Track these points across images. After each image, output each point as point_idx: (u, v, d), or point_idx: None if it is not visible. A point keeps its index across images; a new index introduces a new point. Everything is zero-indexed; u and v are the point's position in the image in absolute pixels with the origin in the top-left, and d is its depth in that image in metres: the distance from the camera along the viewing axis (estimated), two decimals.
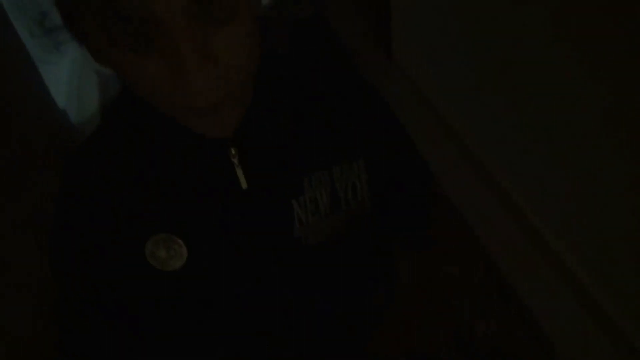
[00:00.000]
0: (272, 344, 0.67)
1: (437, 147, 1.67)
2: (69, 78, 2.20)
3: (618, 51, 0.98)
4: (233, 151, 0.57)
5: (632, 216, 1.08)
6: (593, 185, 1.15)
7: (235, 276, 0.61)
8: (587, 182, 1.17)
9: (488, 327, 1.25)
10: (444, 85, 1.75)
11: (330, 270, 0.66)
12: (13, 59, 1.61)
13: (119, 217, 0.58)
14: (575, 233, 1.27)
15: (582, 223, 1.24)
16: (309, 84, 0.63)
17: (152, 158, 0.58)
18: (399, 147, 0.73)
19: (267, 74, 0.57)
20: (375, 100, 0.69)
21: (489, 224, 1.48)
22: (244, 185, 0.59)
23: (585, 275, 1.27)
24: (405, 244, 0.80)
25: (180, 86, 0.45)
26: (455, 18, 1.56)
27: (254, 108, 0.57)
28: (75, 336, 0.63)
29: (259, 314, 0.64)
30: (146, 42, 0.44)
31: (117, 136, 0.59)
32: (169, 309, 0.62)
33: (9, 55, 1.58)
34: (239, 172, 0.58)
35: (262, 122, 0.58)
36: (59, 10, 0.48)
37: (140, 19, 0.42)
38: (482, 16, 1.42)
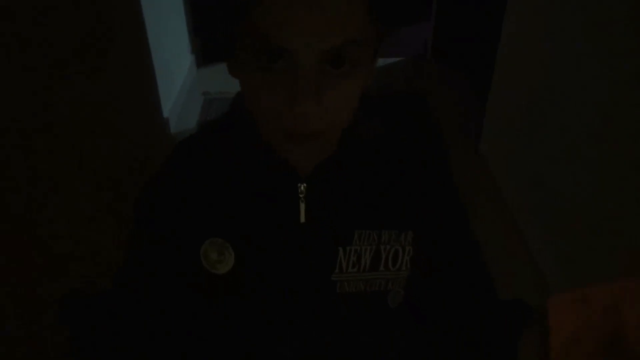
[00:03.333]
0: None
1: (503, 251, 1.70)
2: (178, 93, 2.43)
3: None
4: (302, 187, 0.65)
5: None
6: None
7: (266, 297, 0.67)
8: None
9: None
10: (523, 190, 1.79)
11: (349, 322, 0.70)
12: (139, 68, 1.82)
13: (190, 209, 0.66)
14: None
15: None
16: (388, 150, 0.70)
17: (234, 173, 0.66)
18: (457, 247, 0.75)
19: (354, 132, 0.65)
20: (447, 192, 0.74)
21: None
22: (302, 219, 0.64)
23: None
24: None
25: (290, 112, 0.53)
26: (543, 129, 1.62)
27: (332, 157, 0.64)
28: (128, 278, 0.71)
29: (277, 339, 0.70)
30: (278, 68, 0.53)
31: (214, 145, 0.68)
32: (200, 307, 0.68)
33: (137, 65, 1.79)
34: (302, 207, 0.65)
35: (335, 171, 0.65)
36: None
37: (284, 53, 0.52)
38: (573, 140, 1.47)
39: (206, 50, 2.74)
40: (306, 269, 0.66)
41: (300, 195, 0.64)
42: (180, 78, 2.41)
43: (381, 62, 2.67)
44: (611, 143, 1.31)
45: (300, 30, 0.51)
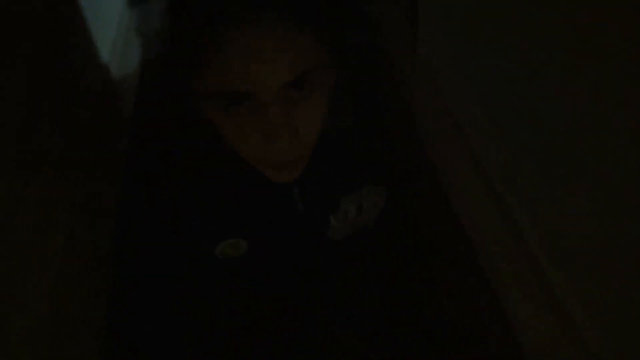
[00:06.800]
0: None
1: (447, 149, 1.73)
2: (114, 37, 2.30)
3: None
4: (296, 189, 0.78)
5: None
6: None
7: (280, 262, 0.84)
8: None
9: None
10: (466, 89, 1.79)
11: (348, 258, 0.86)
12: (64, 9, 1.70)
13: (197, 223, 0.77)
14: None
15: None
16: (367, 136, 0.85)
17: (231, 186, 0.77)
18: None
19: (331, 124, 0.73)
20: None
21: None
22: (300, 208, 0.80)
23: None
24: None
25: (269, 147, 0.59)
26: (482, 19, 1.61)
27: (315, 159, 0.71)
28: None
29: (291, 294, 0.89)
30: (243, 110, 0.58)
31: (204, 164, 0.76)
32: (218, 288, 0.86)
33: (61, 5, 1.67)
34: (297, 200, 0.78)
35: (319, 167, 0.75)
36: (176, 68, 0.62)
37: (241, 93, 0.54)
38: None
39: None
40: (306, 236, 0.84)
41: (296, 197, 0.79)
42: (113, 22, 2.28)
43: None
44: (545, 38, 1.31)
45: (257, 74, 0.54)
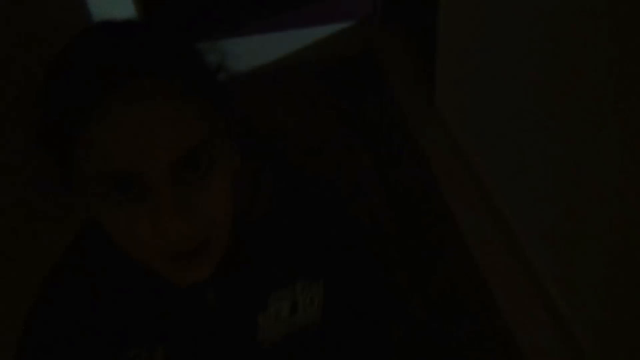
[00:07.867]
0: None
1: (466, 201, 1.74)
2: None
3: None
4: (211, 290, 0.64)
5: None
6: None
7: None
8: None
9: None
10: (481, 141, 1.81)
11: None
12: None
13: (99, 333, 0.64)
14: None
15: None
16: (295, 222, 0.69)
17: (134, 288, 0.64)
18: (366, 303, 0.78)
19: (248, 213, 0.63)
20: (357, 252, 0.75)
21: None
22: (215, 308, 0.66)
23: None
24: None
25: (160, 232, 0.48)
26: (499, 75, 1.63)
27: (232, 256, 0.60)
28: None
29: None
30: (131, 195, 0.49)
31: (101, 265, 0.64)
32: None
33: None
34: (213, 302, 0.66)
35: (239, 264, 0.64)
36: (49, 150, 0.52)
37: (125, 175, 0.48)
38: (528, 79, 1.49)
39: None
40: (232, 343, 0.69)
41: (211, 300, 0.65)
42: None
43: (330, 28, 2.64)
44: (558, 79, 1.34)
45: (140, 149, 0.47)
